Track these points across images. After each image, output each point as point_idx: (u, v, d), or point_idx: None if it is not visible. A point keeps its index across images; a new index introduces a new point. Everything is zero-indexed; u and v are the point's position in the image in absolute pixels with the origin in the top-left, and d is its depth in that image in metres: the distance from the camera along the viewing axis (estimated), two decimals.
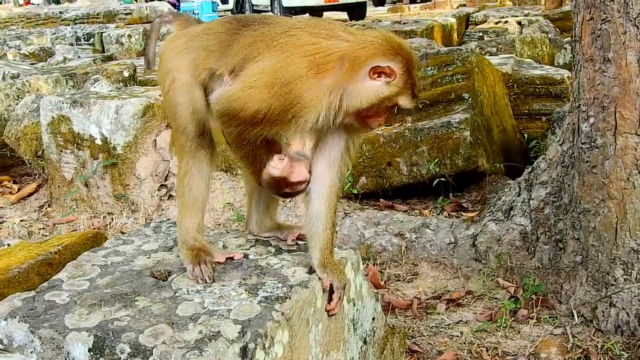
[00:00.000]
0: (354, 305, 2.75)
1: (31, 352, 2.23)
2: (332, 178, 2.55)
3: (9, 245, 3.23)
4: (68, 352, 2.19)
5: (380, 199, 4.88)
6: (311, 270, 2.55)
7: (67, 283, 2.51)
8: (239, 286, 2.44)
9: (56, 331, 2.21)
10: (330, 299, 2.54)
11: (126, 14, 20.55)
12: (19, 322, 2.27)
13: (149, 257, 2.71)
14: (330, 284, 2.52)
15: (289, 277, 2.52)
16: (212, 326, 2.18)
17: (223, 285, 2.46)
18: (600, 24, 3.32)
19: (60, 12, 21.12)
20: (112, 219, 5.42)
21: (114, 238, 2.95)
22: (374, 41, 2.31)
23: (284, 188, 2.55)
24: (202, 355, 2.06)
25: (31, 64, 10.00)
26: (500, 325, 3.60)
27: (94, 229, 5.06)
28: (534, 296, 3.75)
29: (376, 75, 2.28)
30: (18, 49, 13.42)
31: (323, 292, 2.52)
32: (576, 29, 3.51)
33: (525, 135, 5.78)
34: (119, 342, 2.14)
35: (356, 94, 2.30)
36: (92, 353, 2.16)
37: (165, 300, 2.37)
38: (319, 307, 2.48)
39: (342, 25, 2.46)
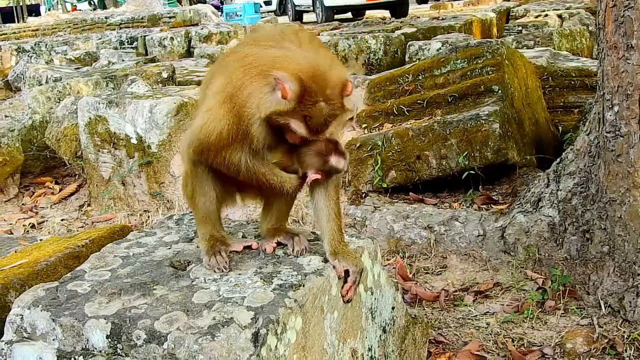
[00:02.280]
0: (372, 294, 2.78)
1: (53, 340, 2.31)
2: None
3: (41, 240, 3.33)
4: (87, 339, 2.26)
5: (410, 193, 4.89)
6: (326, 260, 2.59)
7: (89, 273, 2.59)
8: (255, 275, 2.49)
9: (76, 319, 2.29)
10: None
11: (170, 18, 20.79)
12: (41, 310, 2.35)
13: (169, 248, 2.78)
14: (346, 270, 2.55)
15: (304, 265, 2.56)
16: (226, 313, 2.23)
17: (239, 274, 2.51)
18: (624, 11, 3.28)
19: (105, 17, 21.48)
20: (149, 217, 5.53)
21: (137, 230, 3.03)
22: (297, 58, 2.31)
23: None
24: (214, 340, 2.11)
25: (76, 68, 10.23)
26: (527, 317, 3.59)
27: (131, 226, 5.17)
28: (561, 287, 3.72)
29: (279, 87, 2.26)
30: (64, 54, 13.74)
31: (338, 279, 2.55)
32: (600, 17, 3.47)
33: (560, 128, 5.71)
34: (135, 328, 2.21)
35: (263, 99, 2.31)
36: (109, 339, 2.23)
37: (183, 288, 2.43)
38: (334, 294, 2.52)
39: (300, 39, 2.45)
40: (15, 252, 3.13)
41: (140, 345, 2.19)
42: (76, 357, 2.25)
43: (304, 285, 2.40)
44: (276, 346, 2.18)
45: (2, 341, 2.38)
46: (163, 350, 2.15)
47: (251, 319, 2.20)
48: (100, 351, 2.24)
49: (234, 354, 2.09)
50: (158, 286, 2.45)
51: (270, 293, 2.35)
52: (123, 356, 2.21)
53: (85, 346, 2.27)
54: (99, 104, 5.64)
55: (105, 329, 2.24)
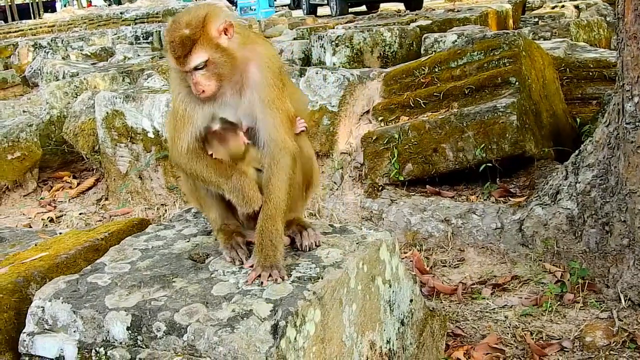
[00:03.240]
0: (390, 286, 2.78)
1: (74, 331, 2.33)
2: (267, 144, 2.59)
3: (60, 233, 3.34)
4: (108, 331, 2.28)
5: (427, 186, 4.87)
6: (344, 253, 2.58)
7: (109, 266, 2.60)
8: None
9: (97, 311, 2.30)
10: None
11: None
12: (62, 303, 2.37)
13: (188, 241, 2.79)
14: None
15: (322, 258, 2.56)
16: (245, 305, 2.24)
17: None
18: None
19: (121, 13, 21.55)
20: (166, 210, 5.55)
21: (155, 224, 3.04)
22: None
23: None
24: (233, 332, 2.12)
25: (92, 63, 10.27)
26: (546, 310, 3.57)
27: (149, 220, 5.19)
28: (580, 280, 3.70)
29: None
30: (80, 50, 13.78)
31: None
32: (619, 6, 3.44)
33: (578, 120, 5.66)
34: (156, 320, 2.22)
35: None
36: (130, 331, 2.24)
37: (202, 281, 2.44)
38: (352, 287, 2.52)
39: None
40: (35, 245, 3.14)
41: (161, 337, 2.20)
42: (97, 348, 2.27)
43: (322, 278, 2.40)
44: (295, 338, 2.19)
45: (24, 333, 2.40)
46: (183, 342, 2.16)
47: (270, 311, 2.21)
48: (121, 343, 2.26)
49: (253, 345, 2.10)
50: (177, 279, 2.47)
51: (289, 286, 2.35)
52: (143, 348, 2.23)
53: (106, 338, 2.28)
54: (115, 98, 5.67)
55: (125, 320, 2.25)
